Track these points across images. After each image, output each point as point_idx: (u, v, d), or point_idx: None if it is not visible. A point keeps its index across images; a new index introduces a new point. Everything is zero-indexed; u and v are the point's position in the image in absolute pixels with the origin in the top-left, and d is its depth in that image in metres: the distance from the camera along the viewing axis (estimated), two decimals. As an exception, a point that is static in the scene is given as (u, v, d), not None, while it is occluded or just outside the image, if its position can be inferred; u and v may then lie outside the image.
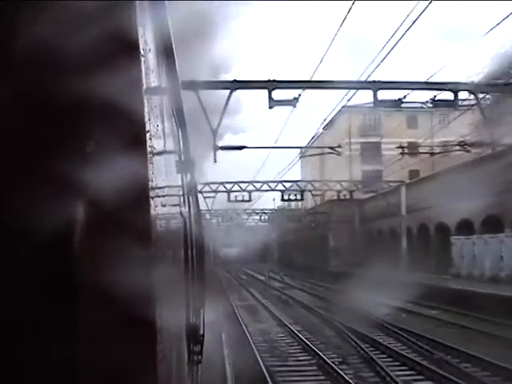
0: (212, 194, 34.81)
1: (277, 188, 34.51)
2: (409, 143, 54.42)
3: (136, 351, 1.10)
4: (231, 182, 34.48)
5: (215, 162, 13.62)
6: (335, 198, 40.18)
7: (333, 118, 51.67)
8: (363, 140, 52.69)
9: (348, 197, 35.18)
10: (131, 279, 1.06)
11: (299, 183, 36.65)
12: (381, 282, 30.80)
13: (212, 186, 34.61)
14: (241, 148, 14.78)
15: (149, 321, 1.13)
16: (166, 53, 2.08)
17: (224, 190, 34.43)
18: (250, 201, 33.99)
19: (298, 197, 33.82)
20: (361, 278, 31.25)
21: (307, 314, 22.87)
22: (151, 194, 1.19)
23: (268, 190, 34.44)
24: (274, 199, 63.43)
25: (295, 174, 64.77)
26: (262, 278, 49.61)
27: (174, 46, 2.19)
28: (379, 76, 13.34)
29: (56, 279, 1.03)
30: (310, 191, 36.18)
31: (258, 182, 34.38)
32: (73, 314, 1.03)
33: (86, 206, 1.05)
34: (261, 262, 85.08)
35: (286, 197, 33.81)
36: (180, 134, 3.03)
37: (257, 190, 34.41)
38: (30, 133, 1.05)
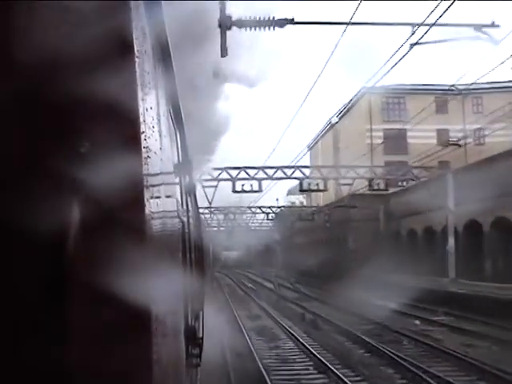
0: (213, 183, 27.95)
1: (293, 176, 27.67)
2: (438, 130, 48.34)
3: (131, 352, 1.10)
4: (237, 168, 27.65)
5: (224, 55, 6.93)
6: (351, 192, 33.54)
7: (351, 100, 45.30)
8: (386, 126, 45.98)
9: (382, 186, 28.29)
10: (127, 281, 1.05)
11: (319, 171, 29.62)
12: (424, 293, 24.20)
13: (213, 173, 27.81)
14: (284, 23, 7.56)
15: (144, 322, 1.13)
16: (162, 53, 2.06)
17: (228, 177, 27.59)
18: (260, 191, 27.15)
19: (321, 186, 26.98)
20: (397, 288, 24.84)
21: (351, 345, 15.92)
22: (146, 195, 1.20)
23: (283, 178, 27.56)
24: (277, 199, 56.58)
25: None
26: (270, 285, 43.17)
27: (169, 45, 2.15)
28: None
29: (52, 279, 1.03)
30: (337, 179, 29.21)
31: (269, 167, 27.56)
32: (68, 315, 1.03)
33: (83, 206, 1.05)
34: (263, 265, 79.07)
35: (305, 186, 26.99)
36: (177, 134, 2.99)
37: (269, 178, 27.55)
38: (26, 133, 1.05)
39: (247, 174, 27.38)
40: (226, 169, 27.55)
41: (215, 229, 53.88)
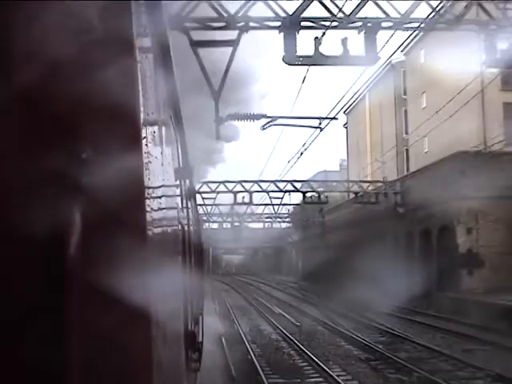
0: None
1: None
2: None
3: (131, 353, 1.10)
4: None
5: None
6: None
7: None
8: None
9: None
10: (127, 283, 1.06)
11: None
12: None
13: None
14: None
15: (144, 324, 1.13)
16: (163, 55, 2.02)
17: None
18: (320, 127, 9.39)
19: None
20: None
21: None
22: (147, 198, 1.21)
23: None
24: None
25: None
26: (308, 308, 25.70)
27: (170, 48, 2.11)
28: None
29: (53, 280, 1.03)
30: None
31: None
32: (68, 315, 1.03)
33: (84, 209, 1.05)
34: (272, 273, 62.66)
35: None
36: (178, 139, 2.96)
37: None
38: (26, 134, 1.05)
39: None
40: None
41: (216, 225, 43.63)
